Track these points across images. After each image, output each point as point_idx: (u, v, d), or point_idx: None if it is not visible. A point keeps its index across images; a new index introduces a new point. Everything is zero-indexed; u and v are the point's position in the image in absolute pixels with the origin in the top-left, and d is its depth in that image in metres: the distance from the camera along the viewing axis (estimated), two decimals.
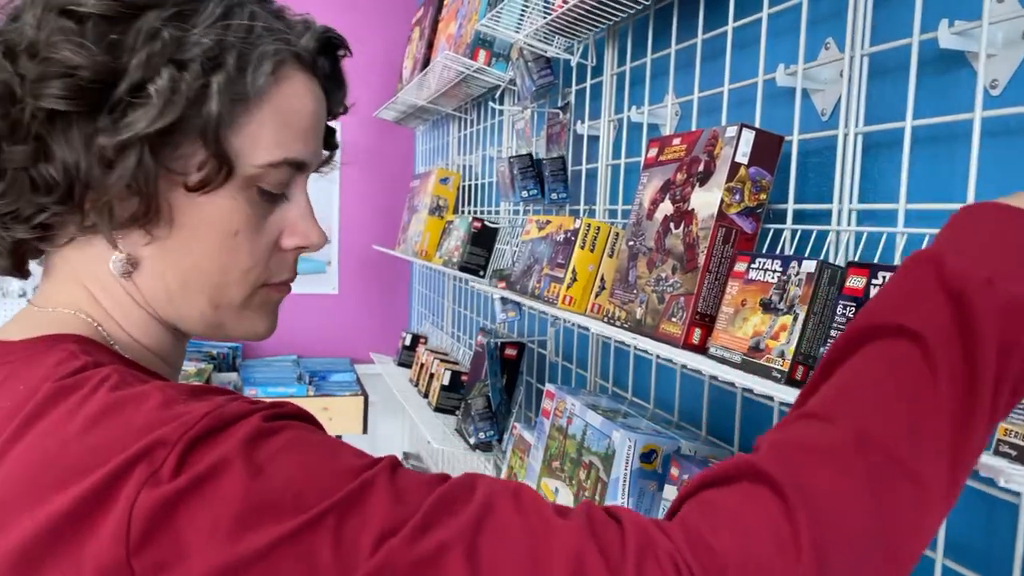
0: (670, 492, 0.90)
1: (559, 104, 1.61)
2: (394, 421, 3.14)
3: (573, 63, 1.46)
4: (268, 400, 0.50)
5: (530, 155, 1.52)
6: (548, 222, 1.34)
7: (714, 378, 1.10)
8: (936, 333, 0.46)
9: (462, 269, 1.88)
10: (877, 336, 0.48)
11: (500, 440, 1.71)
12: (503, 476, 1.48)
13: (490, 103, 1.92)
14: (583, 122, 1.49)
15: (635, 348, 1.31)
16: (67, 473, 0.44)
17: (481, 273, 1.89)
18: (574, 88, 1.56)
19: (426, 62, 2.31)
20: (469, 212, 2.36)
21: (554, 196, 1.51)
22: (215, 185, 0.54)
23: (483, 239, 1.91)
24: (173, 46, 0.52)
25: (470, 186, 2.40)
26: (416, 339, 2.70)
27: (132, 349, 0.58)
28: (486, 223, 1.91)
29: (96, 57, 0.50)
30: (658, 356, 1.24)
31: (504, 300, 1.55)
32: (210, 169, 0.53)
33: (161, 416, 0.45)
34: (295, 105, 0.57)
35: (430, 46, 2.32)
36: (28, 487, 0.44)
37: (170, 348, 0.61)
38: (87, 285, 0.56)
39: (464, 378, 2.11)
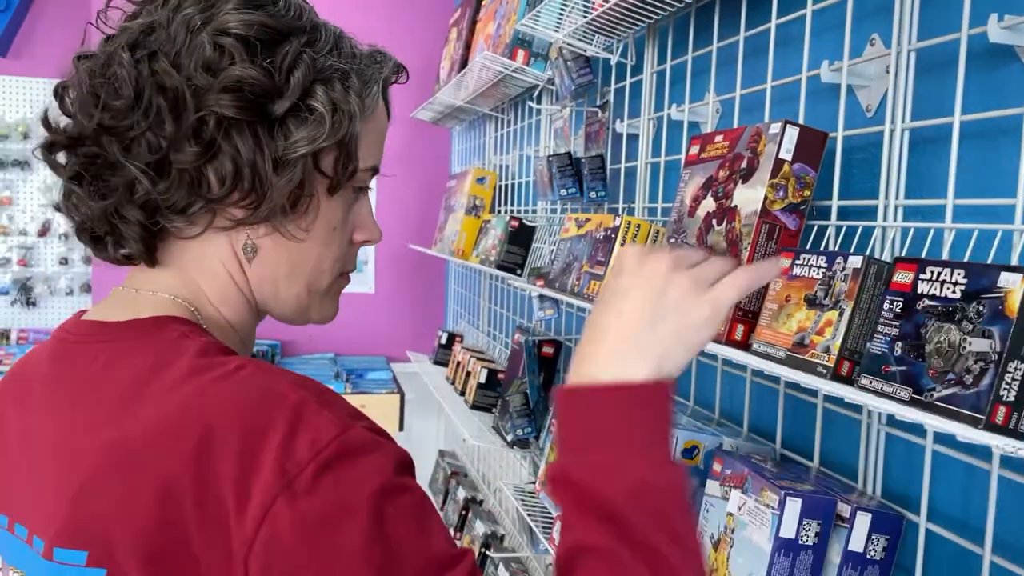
0: (713, 487, 0.91)
1: (597, 103, 1.62)
2: (430, 419, 3.17)
3: (612, 62, 1.47)
4: (370, 424, 0.55)
5: (568, 154, 1.53)
6: (587, 220, 1.35)
7: (756, 375, 1.10)
8: (601, 541, 0.52)
9: (499, 267, 1.90)
10: (580, 555, 0.53)
11: (537, 437, 1.72)
12: (540, 473, 1.49)
13: (528, 103, 1.93)
14: (622, 120, 1.49)
15: None
16: (216, 435, 0.50)
17: (518, 271, 1.91)
18: (613, 87, 1.57)
19: (464, 63, 2.33)
20: (506, 211, 2.38)
21: (592, 194, 1.52)
22: (341, 187, 0.64)
23: (520, 237, 1.92)
24: (315, 69, 0.61)
25: (507, 185, 2.41)
26: (452, 337, 2.72)
27: (223, 330, 0.65)
28: (523, 222, 1.93)
29: (261, 74, 0.58)
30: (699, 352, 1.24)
31: (542, 298, 1.57)
32: (345, 174, 0.63)
33: (300, 416, 0.51)
34: (381, 121, 0.69)
35: (468, 47, 2.34)
36: (176, 437, 0.51)
37: (251, 330, 0.69)
38: (193, 273, 0.63)
39: (501, 376, 2.13)
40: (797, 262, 0.87)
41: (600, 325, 0.60)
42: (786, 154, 0.93)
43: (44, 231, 3.34)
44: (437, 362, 2.72)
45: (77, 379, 0.58)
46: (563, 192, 1.54)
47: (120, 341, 0.59)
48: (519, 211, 2.28)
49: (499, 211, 2.43)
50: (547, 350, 1.78)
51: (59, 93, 0.62)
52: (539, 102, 1.92)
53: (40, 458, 0.56)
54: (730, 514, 0.84)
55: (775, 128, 0.94)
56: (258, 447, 0.49)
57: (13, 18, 3.17)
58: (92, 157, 0.58)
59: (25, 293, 3.31)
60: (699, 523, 0.91)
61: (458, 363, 2.42)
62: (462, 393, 2.26)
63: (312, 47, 0.61)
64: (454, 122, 2.85)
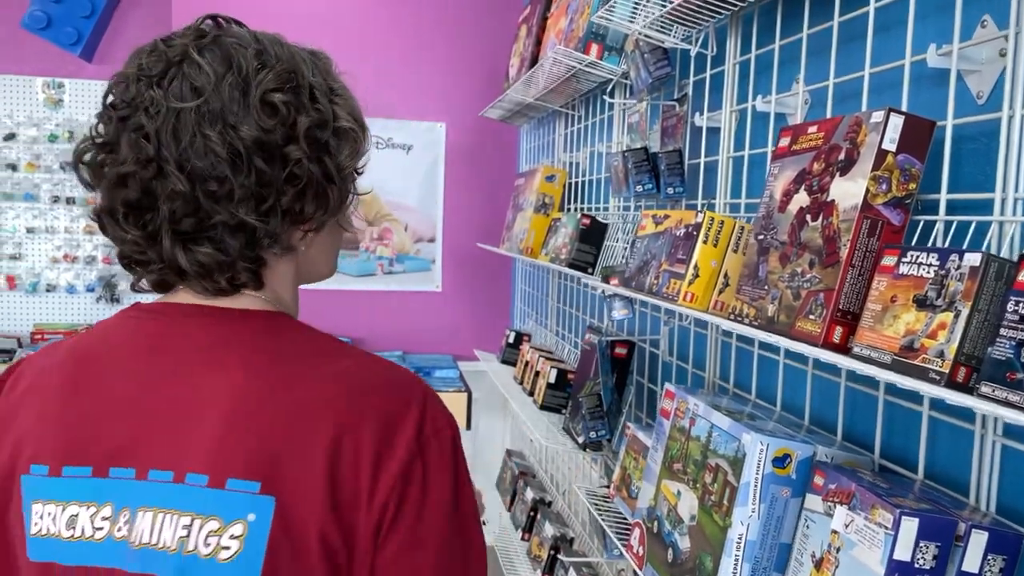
0: (814, 502, 0.85)
1: (675, 96, 1.57)
2: (496, 418, 3.16)
3: (692, 53, 1.42)
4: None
5: (644, 149, 1.49)
6: (665, 217, 1.31)
7: (851, 379, 1.04)
8: None
9: (570, 266, 1.87)
10: None
11: (610, 440, 1.68)
12: (615, 477, 1.46)
13: (603, 97, 1.89)
14: (702, 114, 1.44)
15: (760, 347, 1.26)
16: (374, 397, 0.68)
17: (590, 270, 1.87)
18: (691, 79, 1.52)
19: (534, 59, 2.31)
20: (576, 209, 2.34)
21: (670, 190, 1.47)
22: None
23: (592, 236, 1.89)
24: (329, 92, 0.75)
25: (577, 183, 2.38)
26: (520, 337, 2.70)
27: (289, 310, 0.77)
28: (595, 219, 1.89)
29: (315, 115, 0.71)
30: (787, 356, 1.18)
31: (617, 297, 1.53)
32: (363, 166, 0.79)
33: (413, 375, 0.73)
34: None
35: (538, 43, 2.31)
36: (346, 402, 0.67)
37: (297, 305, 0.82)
38: (272, 278, 0.74)
39: (571, 376, 2.09)
40: (904, 260, 0.81)
41: None
42: (890, 144, 0.87)
43: None
44: (505, 361, 2.70)
45: (220, 347, 0.69)
46: (639, 188, 1.50)
47: (240, 321, 0.72)
48: (589, 209, 2.24)
49: (569, 209, 2.40)
50: (620, 351, 1.74)
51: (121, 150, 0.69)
52: (612, 97, 1.88)
53: (195, 411, 0.66)
54: (835, 532, 0.79)
55: (877, 117, 0.88)
56: (401, 419, 0.67)
57: (98, 24, 3.30)
58: (191, 213, 0.67)
59: (109, 290, 3.45)
60: (796, 538, 0.86)
61: (526, 363, 2.39)
62: (531, 393, 2.24)
63: (313, 76, 0.74)
64: (523, 120, 2.83)
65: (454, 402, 2.73)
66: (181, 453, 0.65)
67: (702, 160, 1.46)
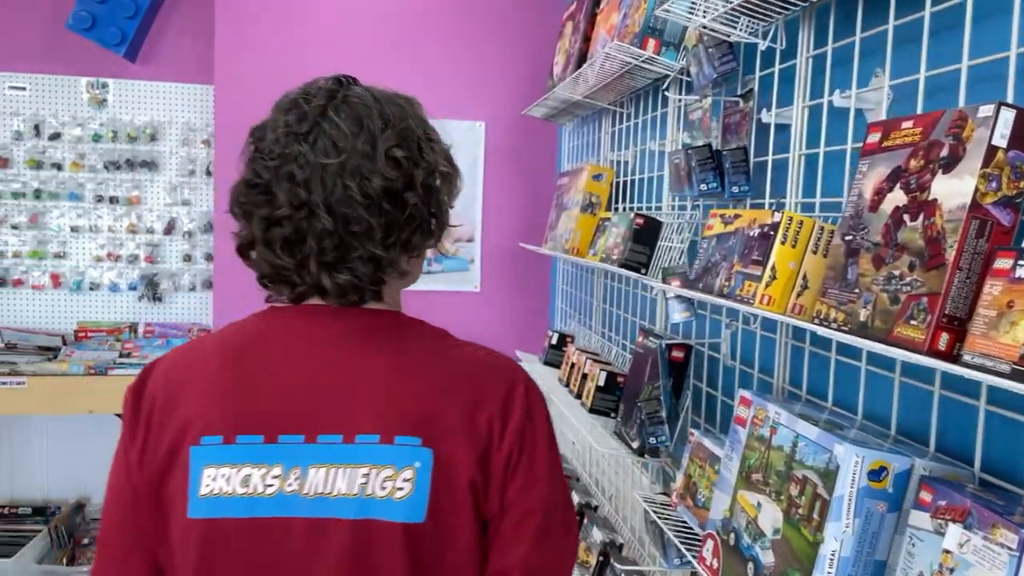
0: (920, 519, 0.81)
1: (738, 92, 1.52)
2: None
3: (762, 47, 1.37)
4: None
5: (709, 146, 1.44)
6: (736, 216, 1.26)
7: (947, 388, 0.99)
8: None
9: (623, 266, 1.82)
10: None
11: (667, 446, 1.64)
12: (678, 485, 1.41)
13: (663, 93, 1.84)
14: (769, 110, 1.39)
15: (839, 352, 1.21)
16: (490, 380, 0.87)
17: (643, 271, 1.83)
18: (757, 74, 1.47)
19: (582, 56, 2.27)
20: (625, 208, 2.30)
21: (735, 189, 1.42)
22: None
23: (645, 236, 1.84)
24: (427, 139, 0.92)
25: (624, 182, 2.33)
26: (563, 338, 2.66)
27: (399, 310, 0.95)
28: (649, 218, 1.84)
29: (426, 166, 0.89)
30: (870, 361, 1.13)
31: (677, 299, 1.48)
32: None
33: (513, 361, 0.93)
34: None
35: (586, 39, 2.27)
36: (467, 383, 0.86)
37: None
38: (387, 289, 0.91)
39: (620, 380, 2.05)
40: (1021, 263, 0.76)
41: None
42: (1000, 140, 0.82)
43: (169, 229, 3.48)
44: (548, 363, 2.67)
45: (368, 338, 0.87)
46: (703, 187, 1.45)
47: (374, 318, 0.89)
48: (638, 208, 2.20)
49: (617, 208, 2.35)
50: (677, 354, 1.69)
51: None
52: (673, 92, 1.83)
53: (355, 388, 0.82)
54: (947, 551, 0.74)
55: (986, 111, 0.83)
56: (514, 392, 0.87)
57: (141, 24, 3.32)
58: (335, 248, 0.84)
59: (152, 289, 3.47)
60: (901, 557, 0.81)
61: (572, 364, 2.35)
62: (578, 396, 2.20)
63: (417, 128, 0.90)
64: (567, 118, 2.79)
65: None
66: (348, 420, 0.81)
67: (770, 158, 1.41)
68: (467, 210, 3.31)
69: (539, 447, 0.86)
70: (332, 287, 0.85)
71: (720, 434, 1.42)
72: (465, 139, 3.43)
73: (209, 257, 3.53)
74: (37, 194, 3.39)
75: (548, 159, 3.48)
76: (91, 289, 3.47)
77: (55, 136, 3.40)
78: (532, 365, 2.69)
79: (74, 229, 3.44)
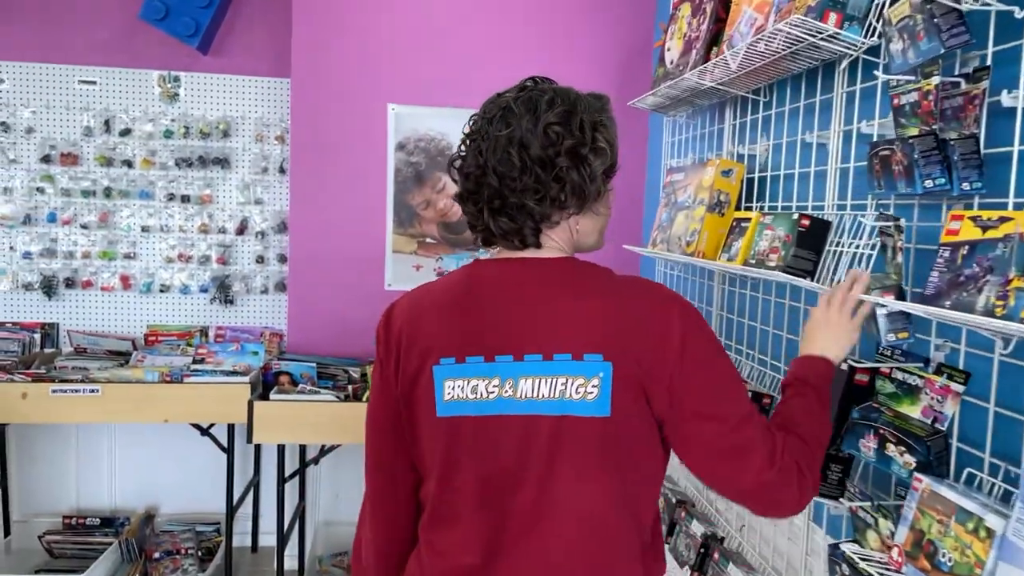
0: None
1: (956, 71, 1.28)
2: None
3: (1019, 14, 1.13)
4: None
5: (934, 135, 1.21)
6: (1001, 220, 1.03)
7: None
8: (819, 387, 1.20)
9: (787, 272, 1.60)
10: (800, 389, 1.20)
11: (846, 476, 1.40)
12: (902, 540, 1.18)
13: (873, 72, 1.60)
14: (1010, 91, 1.15)
15: None
16: (659, 306, 1.06)
17: (810, 277, 1.60)
18: (990, 49, 1.23)
19: (713, 39, 2.04)
20: (761, 208, 2.06)
21: (965, 186, 1.19)
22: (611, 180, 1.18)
23: (811, 239, 1.61)
24: (591, 123, 1.11)
25: (753, 179, 2.10)
26: None
27: None
28: (816, 220, 1.61)
29: (576, 139, 1.09)
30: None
31: (889, 316, 1.25)
32: (613, 173, 1.16)
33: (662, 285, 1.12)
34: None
35: (718, 20, 2.04)
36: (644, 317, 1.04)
37: None
38: (555, 239, 1.12)
39: (766, 401, 1.82)
40: None
41: (812, 337, 1.29)
42: None
43: (242, 229, 3.33)
44: None
45: (556, 279, 1.08)
46: (928, 183, 1.21)
47: (556, 264, 1.11)
48: (781, 208, 1.97)
49: (752, 207, 2.12)
50: (861, 378, 1.46)
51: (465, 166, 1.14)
52: (851, 73, 1.60)
53: (550, 318, 1.03)
54: None
55: None
56: (671, 308, 1.05)
57: (215, 14, 3.17)
58: (497, 198, 1.08)
59: (223, 291, 3.33)
60: None
61: None
62: None
63: (584, 113, 1.09)
64: (681, 108, 2.55)
65: None
66: (546, 343, 1.02)
67: (1015, 148, 1.17)
68: None
69: (702, 342, 1.04)
70: (496, 230, 1.09)
71: (953, 482, 1.19)
72: None
73: (283, 258, 3.38)
74: (107, 192, 3.27)
75: (638, 153, 3.27)
76: (161, 291, 3.34)
77: (126, 132, 3.27)
78: None
79: (144, 229, 3.31)
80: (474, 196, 1.09)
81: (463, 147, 1.12)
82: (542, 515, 1.02)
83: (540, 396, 1.01)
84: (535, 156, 1.04)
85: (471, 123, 1.12)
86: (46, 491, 3.35)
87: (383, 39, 3.12)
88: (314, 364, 2.77)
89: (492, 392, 1.03)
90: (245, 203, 3.35)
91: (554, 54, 3.19)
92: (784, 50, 1.62)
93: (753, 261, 1.77)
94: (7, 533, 3.24)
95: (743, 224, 1.94)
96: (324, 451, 2.89)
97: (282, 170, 3.34)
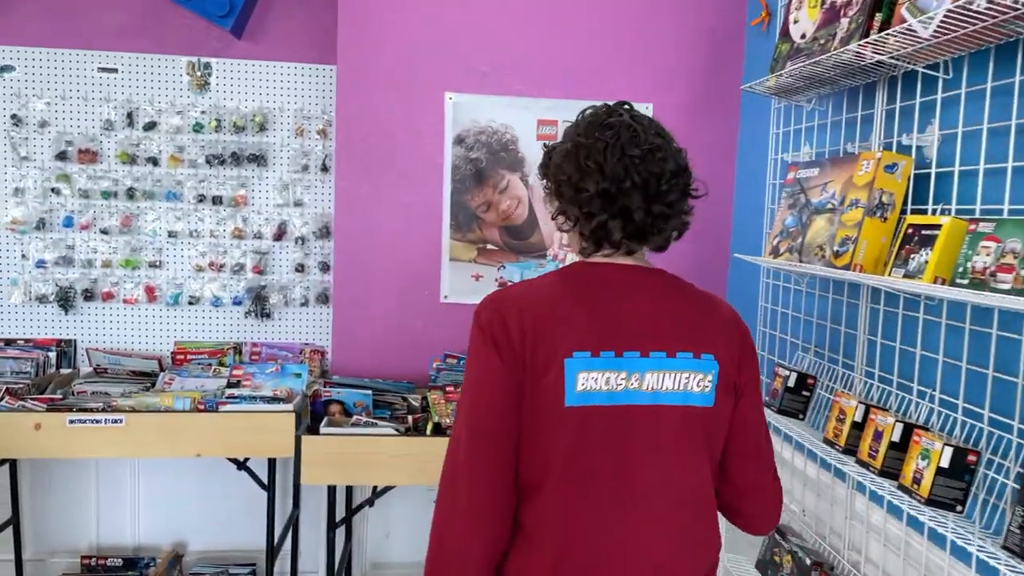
0: None
1: None
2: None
3: None
4: None
5: None
6: None
7: None
8: None
9: None
10: None
11: None
12: None
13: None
14: None
15: None
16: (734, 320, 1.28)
17: None
18: None
19: (876, 4, 1.65)
20: (937, 211, 1.66)
21: None
22: None
23: None
24: None
25: (920, 175, 1.71)
26: (803, 379, 2.05)
27: None
28: None
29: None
30: None
31: None
32: None
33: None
34: None
35: None
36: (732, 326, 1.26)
37: None
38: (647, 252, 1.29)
39: (971, 458, 1.43)
40: None
41: None
42: None
43: (280, 234, 2.97)
44: (783, 411, 2.05)
45: (669, 286, 1.24)
46: None
47: (656, 273, 1.25)
48: (946, 210, 1.58)
49: (917, 211, 1.71)
50: None
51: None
52: None
53: (670, 320, 1.19)
54: None
55: None
56: (746, 331, 1.28)
57: None
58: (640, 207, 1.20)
59: (259, 303, 2.97)
60: None
61: (854, 422, 1.74)
62: (888, 473, 1.58)
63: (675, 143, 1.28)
64: (811, 91, 2.15)
65: None
66: (667, 342, 1.17)
67: None
68: None
69: (756, 378, 1.28)
70: (623, 235, 1.21)
71: None
72: None
73: (325, 267, 3.01)
74: (130, 193, 2.91)
75: (731, 146, 2.88)
76: (190, 303, 2.98)
77: (151, 126, 2.91)
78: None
79: (172, 234, 2.95)
80: (607, 204, 1.18)
81: (564, 157, 1.22)
82: (662, 494, 1.16)
83: (664, 388, 1.15)
84: (673, 170, 1.20)
85: (580, 135, 1.21)
86: (63, 527, 3.00)
87: (440, 18, 2.75)
88: (369, 392, 2.40)
89: (620, 384, 1.13)
90: (283, 205, 2.98)
91: (632, 36, 2.81)
92: (1013, 10, 1.22)
93: (964, 281, 1.37)
94: (19, 574, 2.90)
95: (925, 231, 1.54)
96: (379, 492, 2.52)
97: (325, 168, 2.97)
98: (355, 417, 2.29)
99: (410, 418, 2.38)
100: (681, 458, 1.16)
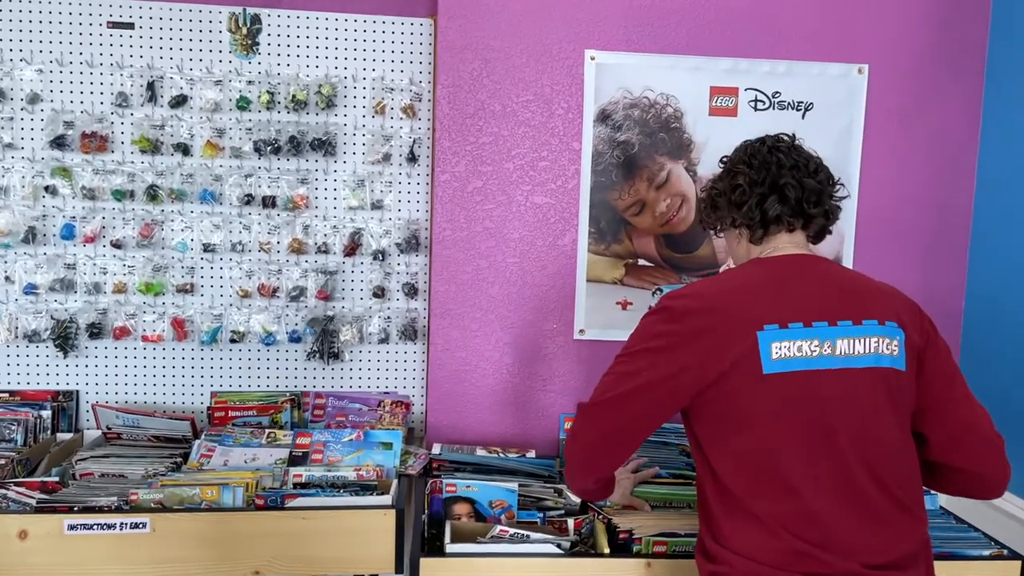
0: None
1: None
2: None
3: None
4: None
5: None
6: None
7: None
8: None
9: None
10: None
11: None
12: None
13: None
14: None
15: None
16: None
17: None
18: None
19: None
20: None
21: None
22: None
23: None
24: None
25: None
26: None
27: None
28: None
29: None
30: None
31: None
32: None
33: None
34: None
35: None
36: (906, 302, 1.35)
37: None
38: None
39: None
40: None
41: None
42: None
43: (353, 247, 2.20)
44: None
45: (839, 268, 1.37)
46: None
47: (833, 261, 1.40)
48: None
49: None
50: None
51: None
52: None
53: (855, 294, 1.28)
54: None
55: None
56: (913, 301, 1.36)
57: None
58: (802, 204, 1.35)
59: (326, 341, 2.21)
60: None
61: None
62: None
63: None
64: None
65: None
66: (853, 311, 1.25)
67: None
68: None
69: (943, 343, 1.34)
70: (802, 223, 1.34)
71: None
72: (834, 92, 2.13)
73: (413, 290, 2.24)
74: (151, 193, 2.15)
75: (973, 118, 2.12)
76: (233, 341, 2.21)
77: (179, 101, 2.15)
78: None
79: (208, 248, 2.18)
80: (759, 184, 1.33)
81: (716, 180, 1.41)
82: (871, 448, 1.23)
83: (855, 352, 1.23)
84: (819, 160, 1.37)
85: (749, 157, 1.37)
86: None
87: None
88: (515, 488, 1.62)
89: (814, 351, 1.22)
90: (358, 208, 2.21)
91: None
92: None
93: None
94: None
95: None
96: None
97: (413, 157, 2.20)
98: (500, 529, 1.51)
99: (570, 523, 1.61)
100: (883, 419, 1.25)
